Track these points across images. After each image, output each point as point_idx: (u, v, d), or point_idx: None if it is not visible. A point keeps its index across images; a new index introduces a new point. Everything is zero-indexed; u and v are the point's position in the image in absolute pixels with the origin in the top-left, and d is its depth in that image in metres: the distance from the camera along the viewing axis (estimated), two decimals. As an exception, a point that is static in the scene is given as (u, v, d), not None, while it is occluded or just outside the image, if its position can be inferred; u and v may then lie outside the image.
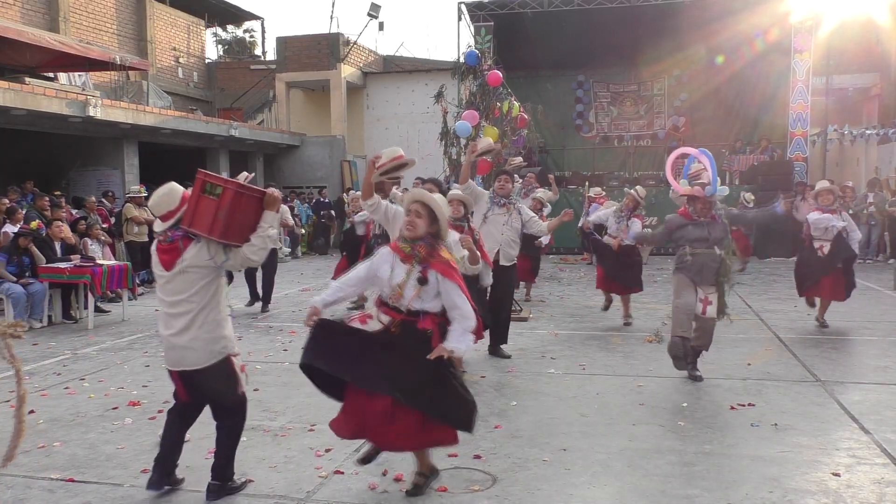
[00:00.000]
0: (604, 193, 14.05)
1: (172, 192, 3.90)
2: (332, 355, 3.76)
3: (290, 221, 11.96)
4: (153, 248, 3.97)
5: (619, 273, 8.92)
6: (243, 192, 3.78)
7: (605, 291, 9.38)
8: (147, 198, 13.31)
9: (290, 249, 18.83)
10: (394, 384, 3.67)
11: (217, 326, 3.86)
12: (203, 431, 5.12)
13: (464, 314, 3.79)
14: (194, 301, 3.80)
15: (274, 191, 3.89)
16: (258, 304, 10.70)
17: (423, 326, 3.80)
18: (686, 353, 6.22)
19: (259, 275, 10.59)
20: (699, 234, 6.23)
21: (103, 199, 13.76)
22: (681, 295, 6.29)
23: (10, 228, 9.86)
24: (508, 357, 7.17)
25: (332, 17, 26.69)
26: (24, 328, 2.22)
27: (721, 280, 6.28)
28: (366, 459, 4.10)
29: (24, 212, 10.78)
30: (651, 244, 6.74)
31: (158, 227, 3.92)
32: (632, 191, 9.11)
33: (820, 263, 8.36)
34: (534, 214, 7.60)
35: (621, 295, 9.14)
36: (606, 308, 9.39)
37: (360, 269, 3.98)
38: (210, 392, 3.97)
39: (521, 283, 10.65)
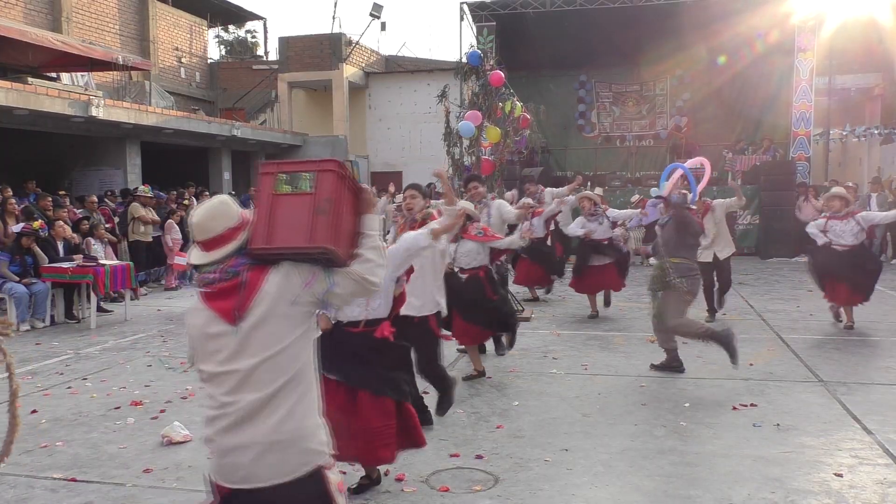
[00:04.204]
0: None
1: (227, 204, 2.46)
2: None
3: None
4: (196, 302, 2.41)
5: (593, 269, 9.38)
6: (346, 178, 2.43)
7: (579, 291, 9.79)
8: (152, 198, 13.40)
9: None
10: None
11: (310, 413, 2.40)
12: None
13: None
14: (282, 366, 2.31)
15: (368, 188, 2.60)
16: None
17: (379, 335, 4.05)
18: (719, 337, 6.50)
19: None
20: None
21: (106, 199, 13.77)
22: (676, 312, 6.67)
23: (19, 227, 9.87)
24: (502, 355, 7.15)
25: (334, 17, 26.72)
26: (11, 325, 2.14)
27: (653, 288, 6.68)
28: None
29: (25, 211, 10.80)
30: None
31: (200, 258, 2.42)
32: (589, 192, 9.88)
33: (837, 260, 8.28)
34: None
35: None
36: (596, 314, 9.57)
37: None
38: None
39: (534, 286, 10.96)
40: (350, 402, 3.85)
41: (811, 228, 8.64)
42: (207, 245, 2.39)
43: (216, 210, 2.42)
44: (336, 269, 2.37)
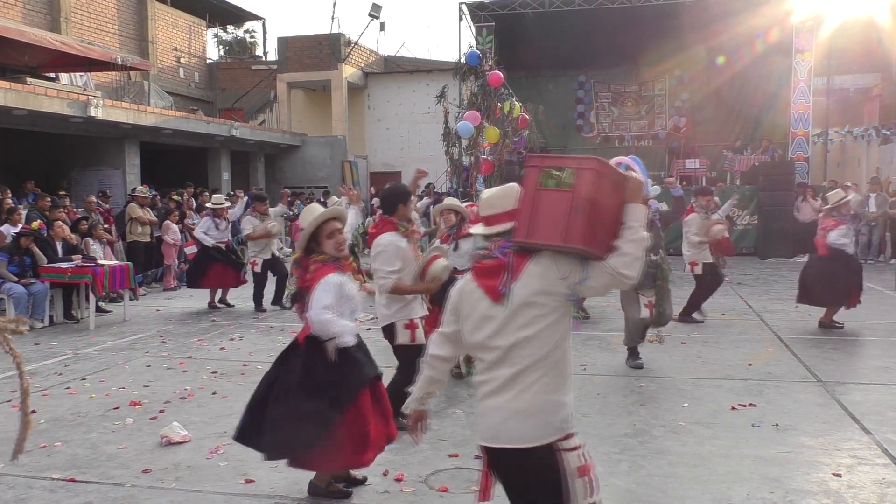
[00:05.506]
0: None
1: (514, 189, 2.69)
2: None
3: (276, 230, 10.46)
4: (467, 275, 2.69)
5: None
6: (606, 174, 2.49)
7: None
8: (151, 198, 13.39)
9: (291, 250, 18.81)
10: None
11: (555, 391, 2.55)
12: (205, 431, 5.13)
13: None
14: (533, 347, 2.50)
15: (636, 175, 2.62)
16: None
17: None
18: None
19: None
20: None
21: (98, 199, 13.72)
22: (634, 310, 6.77)
23: (10, 229, 9.87)
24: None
25: (333, 18, 26.88)
26: (26, 324, 2.18)
27: (659, 284, 6.74)
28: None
29: (24, 212, 10.80)
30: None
31: (480, 230, 2.72)
32: None
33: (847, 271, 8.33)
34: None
35: None
36: None
37: (329, 300, 3.73)
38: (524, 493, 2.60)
39: None
40: (373, 396, 3.97)
41: (842, 238, 8.27)
42: (489, 220, 2.68)
43: (504, 191, 2.70)
44: (592, 262, 2.48)
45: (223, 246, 10.75)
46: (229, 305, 10.83)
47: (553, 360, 2.51)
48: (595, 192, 2.42)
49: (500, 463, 2.58)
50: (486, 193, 2.73)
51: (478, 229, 2.73)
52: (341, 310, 3.80)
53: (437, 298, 5.36)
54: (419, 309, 5.00)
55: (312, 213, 3.93)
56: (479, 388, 2.61)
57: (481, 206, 2.72)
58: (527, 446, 2.48)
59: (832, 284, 8.31)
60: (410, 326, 4.91)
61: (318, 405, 3.71)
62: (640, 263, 2.50)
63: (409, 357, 4.93)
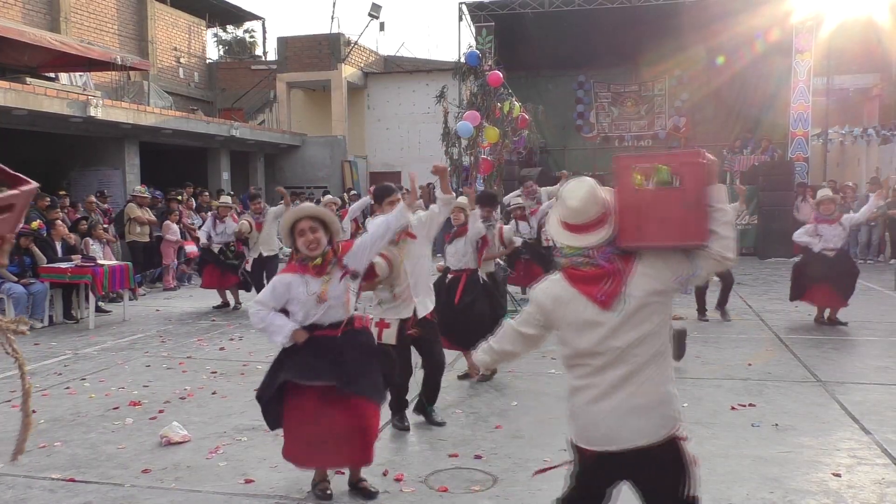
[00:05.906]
0: None
1: (598, 189, 2.56)
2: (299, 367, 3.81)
3: (246, 229, 10.56)
4: (558, 280, 2.59)
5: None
6: (705, 164, 2.46)
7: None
8: (150, 198, 13.38)
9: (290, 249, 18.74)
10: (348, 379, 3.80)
11: (668, 381, 2.53)
12: (204, 431, 5.13)
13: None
14: (648, 344, 2.48)
15: (711, 156, 2.56)
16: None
17: (360, 325, 4.02)
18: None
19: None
20: None
21: (95, 199, 13.69)
22: None
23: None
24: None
25: (332, 18, 26.90)
26: (27, 324, 2.20)
27: None
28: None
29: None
30: None
31: (571, 240, 2.55)
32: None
33: (826, 266, 8.43)
34: None
35: None
36: None
37: (263, 296, 3.86)
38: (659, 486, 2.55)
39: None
40: (334, 407, 3.76)
41: (803, 237, 8.64)
42: (580, 228, 2.52)
43: (590, 194, 2.52)
44: (695, 252, 2.49)
45: (216, 248, 10.81)
46: (233, 306, 10.82)
47: (662, 353, 2.49)
48: (702, 185, 2.42)
49: (620, 467, 2.49)
50: (573, 200, 2.51)
51: (567, 238, 2.55)
52: (292, 309, 3.82)
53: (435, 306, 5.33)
54: (395, 311, 4.91)
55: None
56: (580, 393, 2.54)
57: (570, 215, 2.53)
58: (651, 442, 2.42)
59: (795, 279, 8.90)
60: (379, 325, 4.88)
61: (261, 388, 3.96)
62: (735, 244, 2.52)
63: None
